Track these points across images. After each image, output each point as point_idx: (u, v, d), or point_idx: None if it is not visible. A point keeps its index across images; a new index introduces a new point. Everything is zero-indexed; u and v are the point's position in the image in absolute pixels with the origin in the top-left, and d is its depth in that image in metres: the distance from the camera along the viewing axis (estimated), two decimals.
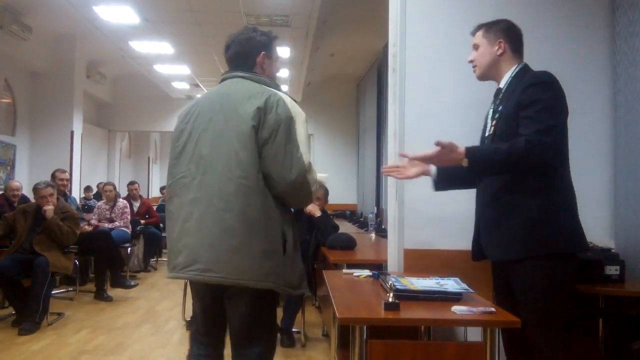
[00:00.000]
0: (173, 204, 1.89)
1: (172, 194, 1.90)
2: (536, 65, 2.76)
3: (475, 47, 2.16)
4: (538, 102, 1.90)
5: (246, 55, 1.95)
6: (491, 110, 2.15)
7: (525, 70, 2.08)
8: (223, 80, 1.98)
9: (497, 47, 2.10)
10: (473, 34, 2.20)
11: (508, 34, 2.12)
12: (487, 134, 2.12)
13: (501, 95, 2.09)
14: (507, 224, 1.97)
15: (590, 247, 1.98)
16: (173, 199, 1.89)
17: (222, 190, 1.78)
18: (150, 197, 13.25)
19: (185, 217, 1.83)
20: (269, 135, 1.78)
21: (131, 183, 7.53)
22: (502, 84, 2.10)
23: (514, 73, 2.08)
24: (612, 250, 2.50)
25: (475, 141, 2.18)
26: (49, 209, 4.32)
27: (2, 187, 6.82)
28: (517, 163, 1.86)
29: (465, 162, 1.89)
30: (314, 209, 4.10)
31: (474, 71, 2.17)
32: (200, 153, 1.83)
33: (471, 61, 2.17)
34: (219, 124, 1.83)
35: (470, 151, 1.90)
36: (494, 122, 2.08)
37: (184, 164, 1.87)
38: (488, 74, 2.14)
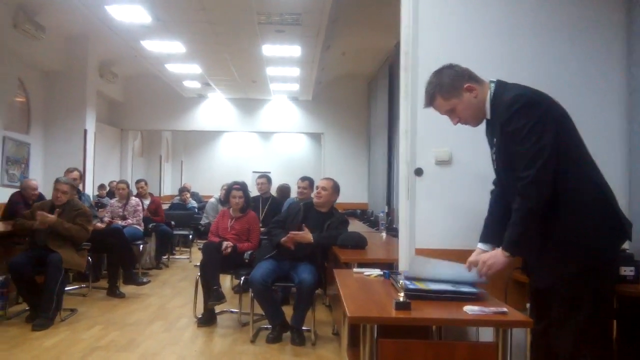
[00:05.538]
0: None
1: None
2: (552, 64, 2.74)
3: (450, 112, 2.08)
4: (517, 133, 1.90)
5: None
6: (488, 135, 2.13)
7: (496, 94, 2.01)
8: None
9: (469, 93, 2.03)
10: (429, 106, 2.11)
11: (461, 76, 2.04)
12: (493, 159, 2.12)
13: (490, 125, 2.08)
14: (539, 250, 1.99)
15: (617, 256, 1.98)
16: None
17: None
18: (162, 195, 13.35)
19: None
20: None
21: (138, 181, 7.54)
22: (488, 114, 2.06)
23: (490, 100, 2.02)
24: (627, 251, 2.46)
25: (484, 139, 2.17)
26: (44, 221, 4.28)
27: (17, 184, 6.90)
28: (533, 214, 1.87)
29: (506, 254, 1.93)
30: (303, 237, 3.91)
31: (469, 126, 2.12)
32: None
33: (458, 123, 2.10)
34: None
35: (504, 245, 1.93)
36: (494, 155, 2.09)
37: None
38: (482, 116, 2.08)
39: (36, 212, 4.40)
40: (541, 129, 1.87)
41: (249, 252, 4.43)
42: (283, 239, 3.97)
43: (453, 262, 2.10)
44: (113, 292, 5.29)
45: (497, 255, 1.95)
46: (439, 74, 2.07)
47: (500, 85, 2.03)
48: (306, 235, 3.93)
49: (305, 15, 6.63)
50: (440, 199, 2.74)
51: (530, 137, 1.87)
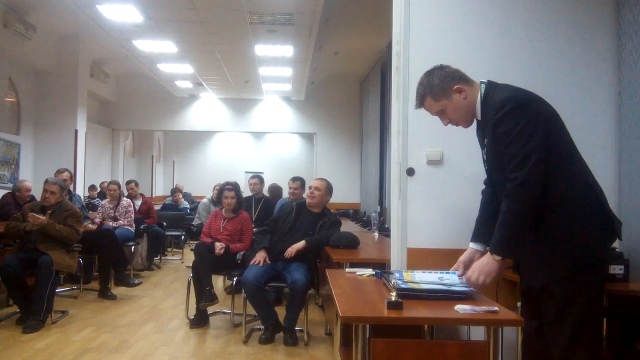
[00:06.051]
0: None
1: None
2: (542, 64, 2.76)
3: (440, 113, 2.08)
4: (507, 135, 1.90)
5: None
6: (479, 136, 2.14)
7: (487, 95, 2.02)
8: None
9: (458, 95, 2.03)
10: (420, 107, 2.11)
11: (451, 77, 2.04)
12: (484, 159, 2.13)
13: (481, 126, 2.09)
14: (531, 251, 1.99)
15: (607, 255, 1.99)
16: None
17: None
18: (154, 195, 13.28)
19: None
20: None
21: (128, 182, 7.47)
22: (479, 115, 2.07)
23: (481, 101, 2.03)
24: (617, 249, 2.49)
25: (475, 139, 2.18)
26: (36, 223, 4.23)
27: (7, 185, 6.84)
28: (522, 216, 1.88)
29: (497, 258, 1.94)
30: (296, 248, 3.89)
31: (461, 126, 2.11)
32: None
33: (448, 124, 2.10)
34: None
35: (492, 248, 1.95)
36: (485, 155, 2.10)
37: None
38: (472, 117, 2.09)
39: (27, 213, 4.36)
40: (531, 131, 1.88)
41: (242, 253, 4.42)
42: (258, 254, 3.99)
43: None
44: (104, 293, 5.25)
45: (488, 263, 1.95)
46: (429, 75, 2.08)
47: (491, 85, 2.04)
48: (298, 245, 3.91)
49: (297, 15, 6.63)
50: (432, 199, 2.75)
51: (519, 139, 1.88)
